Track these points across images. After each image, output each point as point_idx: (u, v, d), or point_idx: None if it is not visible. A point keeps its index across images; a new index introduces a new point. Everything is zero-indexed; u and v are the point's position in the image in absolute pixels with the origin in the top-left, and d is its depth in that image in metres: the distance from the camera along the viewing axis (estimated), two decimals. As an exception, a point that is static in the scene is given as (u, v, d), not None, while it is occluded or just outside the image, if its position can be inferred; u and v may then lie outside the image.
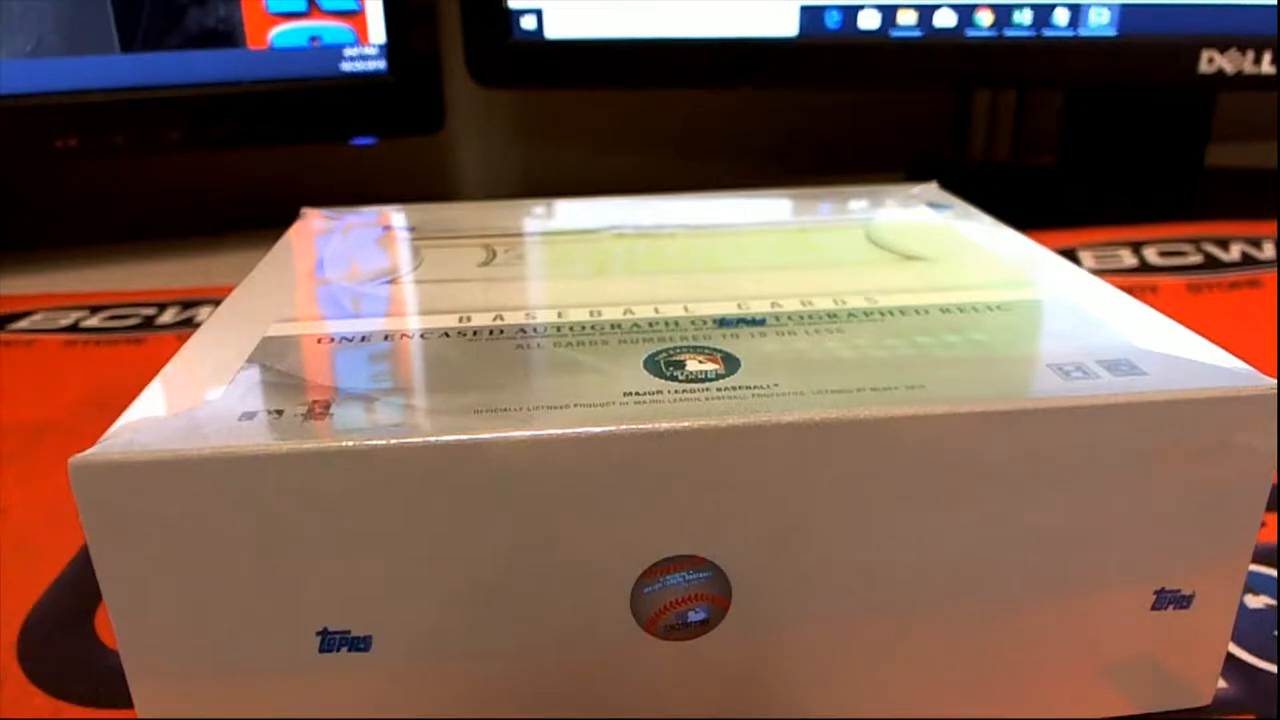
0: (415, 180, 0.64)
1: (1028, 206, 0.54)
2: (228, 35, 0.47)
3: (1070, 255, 0.47)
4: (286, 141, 0.49)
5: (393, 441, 0.16)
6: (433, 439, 0.16)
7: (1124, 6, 0.49)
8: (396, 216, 0.30)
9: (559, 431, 0.16)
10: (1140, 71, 0.50)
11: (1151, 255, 0.47)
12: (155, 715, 0.17)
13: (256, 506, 0.16)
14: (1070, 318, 0.21)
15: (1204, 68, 0.50)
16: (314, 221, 0.30)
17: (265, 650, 0.17)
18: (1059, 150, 0.59)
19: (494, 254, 0.26)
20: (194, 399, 0.18)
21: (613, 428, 0.16)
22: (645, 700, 0.18)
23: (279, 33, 0.48)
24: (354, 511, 0.16)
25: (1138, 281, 0.44)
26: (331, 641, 0.17)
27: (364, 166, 0.63)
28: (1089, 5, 0.49)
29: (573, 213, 0.30)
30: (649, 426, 0.16)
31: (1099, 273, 0.45)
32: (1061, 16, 0.49)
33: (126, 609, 0.16)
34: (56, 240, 0.56)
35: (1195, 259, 0.46)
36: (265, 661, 0.17)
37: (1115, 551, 0.18)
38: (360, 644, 0.17)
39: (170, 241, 0.56)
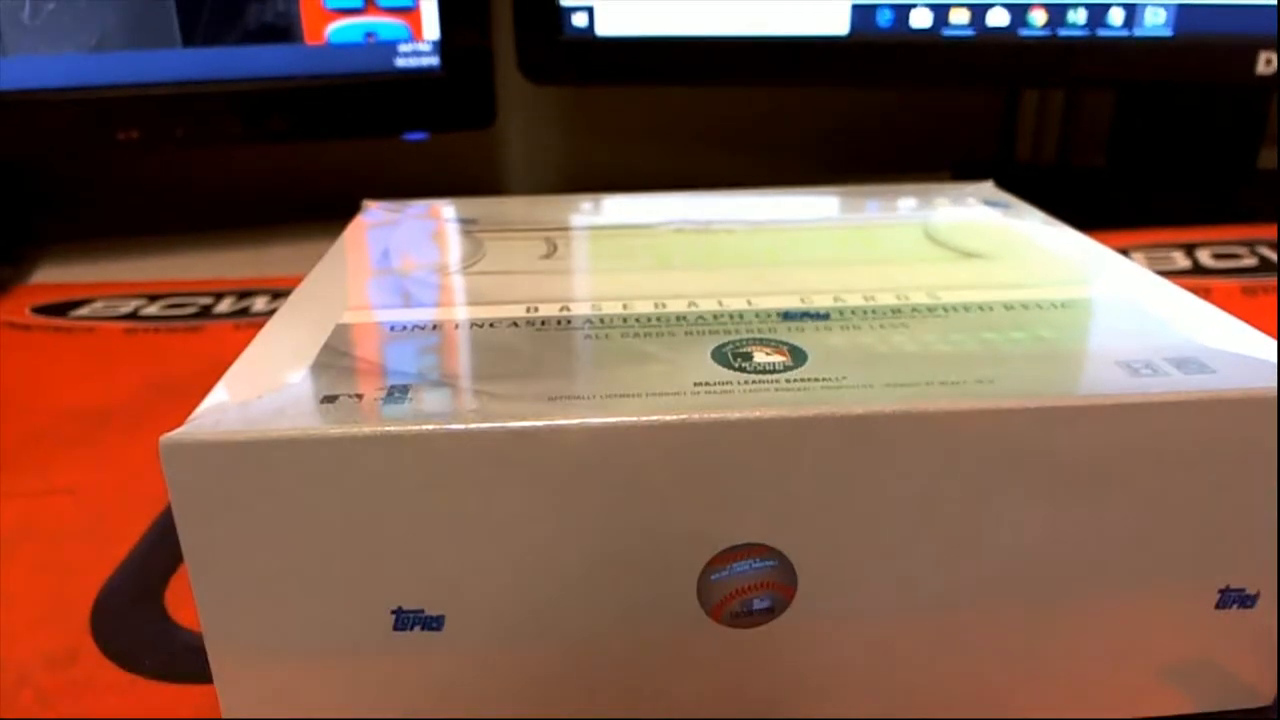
0: (463, 174, 0.65)
1: (1076, 206, 0.54)
2: (286, 31, 0.48)
3: (1121, 257, 0.46)
4: (341, 136, 0.50)
5: (470, 426, 0.16)
6: (508, 424, 0.16)
7: (1180, 6, 0.48)
8: (456, 209, 0.31)
9: (634, 419, 0.16)
10: (1196, 72, 0.50)
11: (1204, 257, 0.46)
12: (234, 687, 0.18)
13: (336, 486, 0.16)
14: (1134, 315, 0.21)
15: (1261, 69, 0.49)
16: (377, 213, 0.30)
17: (342, 627, 0.17)
18: (1109, 150, 0.58)
19: (555, 247, 0.26)
20: (275, 382, 0.18)
21: (687, 416, 0.16)
22: (708, 686, 0.19)
23: (336, 29, 0.49)
24: (430, 494, 0.17)
25: (1191, 284, 0.43)
26: (406, 620, 0.17)
27: (412, 160, 0.64)
28: (1145, 5, 0.48)
29: (627, 208, 0.31)
30: (724, 415, 0.16)
31: (1151, 274, 0.44)
32: (1116, 16, 0.49)
33: (210, 584, 0.17)
34: (117, 230, 0.58)
35: (1249, 261, 0.45)
36: (342, 638, 0.18)
37: (1180, 549, 0.18)
38: (433, 623, 0.18)
39: (226, 232, 0.57)
